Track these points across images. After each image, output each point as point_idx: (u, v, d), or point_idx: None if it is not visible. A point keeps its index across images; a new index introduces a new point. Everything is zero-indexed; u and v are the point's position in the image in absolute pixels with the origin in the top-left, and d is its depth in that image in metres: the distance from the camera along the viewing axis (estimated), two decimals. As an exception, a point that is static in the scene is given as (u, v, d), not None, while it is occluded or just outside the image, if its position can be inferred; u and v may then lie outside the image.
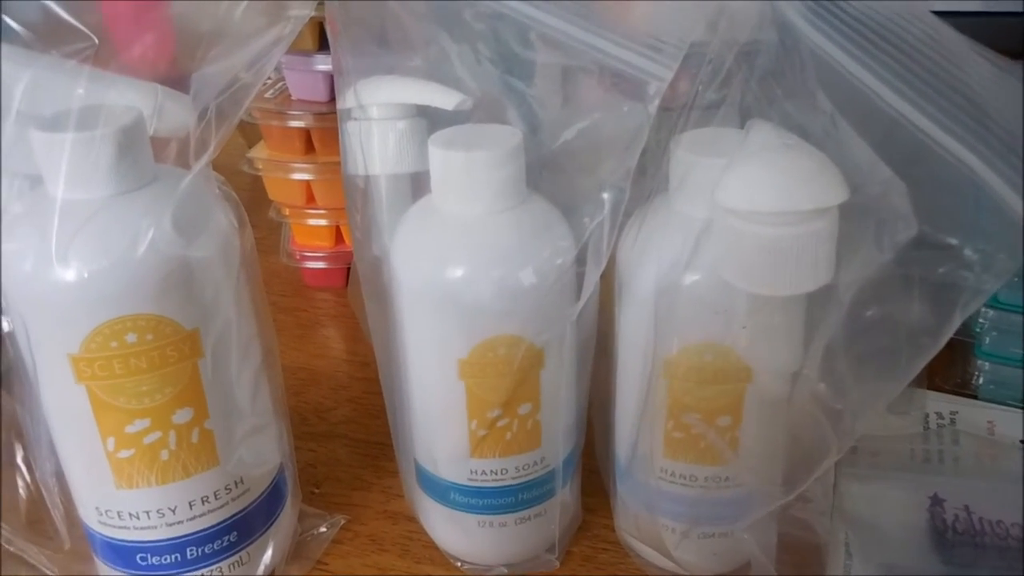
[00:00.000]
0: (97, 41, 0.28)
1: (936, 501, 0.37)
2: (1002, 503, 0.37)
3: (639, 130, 0.26)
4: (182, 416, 0.30)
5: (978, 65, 0.23)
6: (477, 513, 0.35)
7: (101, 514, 0.32)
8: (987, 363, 0.45)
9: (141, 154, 0.29)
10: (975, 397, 0.45)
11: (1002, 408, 0.44)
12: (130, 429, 0.30)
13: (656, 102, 0.26)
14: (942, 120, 0.23)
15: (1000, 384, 0.45)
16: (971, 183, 0.23)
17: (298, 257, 0.60)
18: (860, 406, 0.26)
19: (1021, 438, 0.42)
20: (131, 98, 0.30)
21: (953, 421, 0.43)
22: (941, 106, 0.23)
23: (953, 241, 0.24)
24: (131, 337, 0.28)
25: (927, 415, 0.44)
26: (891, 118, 0.24)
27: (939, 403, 0.44)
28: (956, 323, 0.23)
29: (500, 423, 0.33)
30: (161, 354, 0.29)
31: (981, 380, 0.45)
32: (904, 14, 0.25)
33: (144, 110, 0.30)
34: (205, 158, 0.30)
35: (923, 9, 0.25)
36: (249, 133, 0.61)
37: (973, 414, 0.44)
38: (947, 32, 0.24)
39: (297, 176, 0.56)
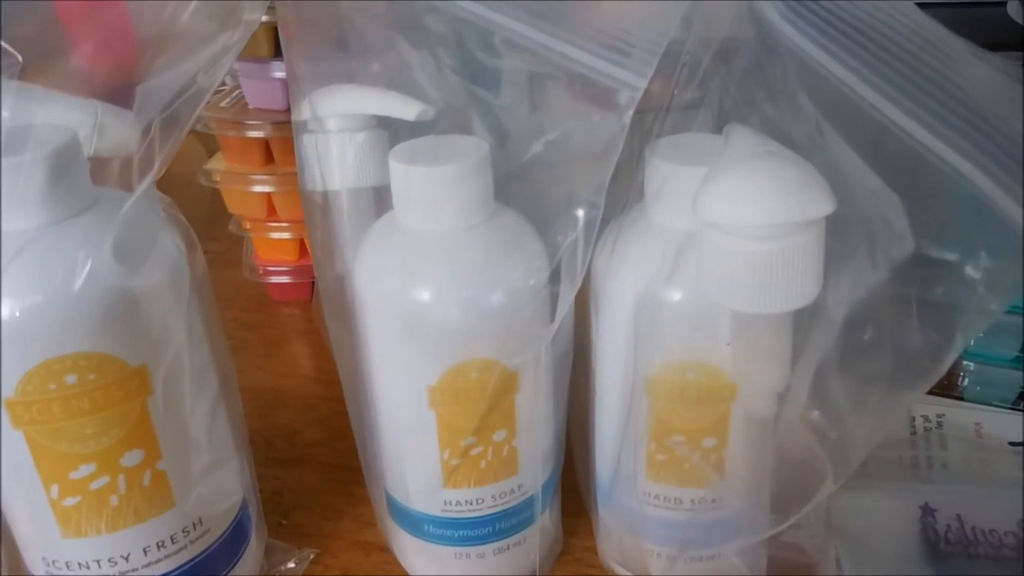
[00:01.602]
0: (21, 59, 0.26)
1: (927, 511, 0.36)
2: (994, 511, 0.36)
3: (612, 142, 0.25)
4: (132, 458, 0.28)
5: (973, 66, 0.22)
6: (453, 545, 0.33)
7: (48, 564, 0.30)
8: (973, 364, 0.44)
9: (77, 178, 0.27)
10: (961, 399, 0.44)
11: (989, 409, 0.43)
12: (75, 475, 0.28)
13: (629, 112, 0.24)
14: (935, 126, 0.21)
15: (987, 385, 0.44)
16: (969, 194, 0.21)
17: (261, 272, 0.58)
18: (856, 434, 0.24)
19: (1009, 440, 0.41)
20: (67, 116, 0.28)
21: (940, 424, 0.42)
22: (933, 111, 0.22)
23: (952, 257, 0.22)
24: (71, 378, 0.26)
25: (913, 419, 0.43)
26: (880, 124, 0.22)
27: (925, 406, 0.43)
28: (959, 347, 0.22)
29: (474, 451, 0.31)
30: (105, 394, 0.27)
31: (967, 381, 0.44)
32: (889, 11, 0.23)
33: (82, 128, 0.28)
34: (149, 178, 0.28)
35: (910, 5, 0.23)
36: (208, 142, 0.59)
37: (960, 416, 0.43)
38: (938, 30, 0.23)
39: (257, 188, 0.53)
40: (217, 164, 0.54)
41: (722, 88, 0.28)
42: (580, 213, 0.26)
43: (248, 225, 0.56)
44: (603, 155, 0.25)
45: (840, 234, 0.23)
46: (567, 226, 0.26)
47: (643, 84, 0.24)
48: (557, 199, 0.27)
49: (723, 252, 0.25)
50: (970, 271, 0.22)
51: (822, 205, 0.23)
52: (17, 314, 0.25)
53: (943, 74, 0.22)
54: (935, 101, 0.22)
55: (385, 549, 0.38)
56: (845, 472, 0.25)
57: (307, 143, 0.32)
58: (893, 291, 0.23)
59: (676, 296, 0.28)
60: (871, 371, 0.24)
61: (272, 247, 0.57)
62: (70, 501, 0.28)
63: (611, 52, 0.24)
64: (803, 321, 0.25)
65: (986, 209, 0.21)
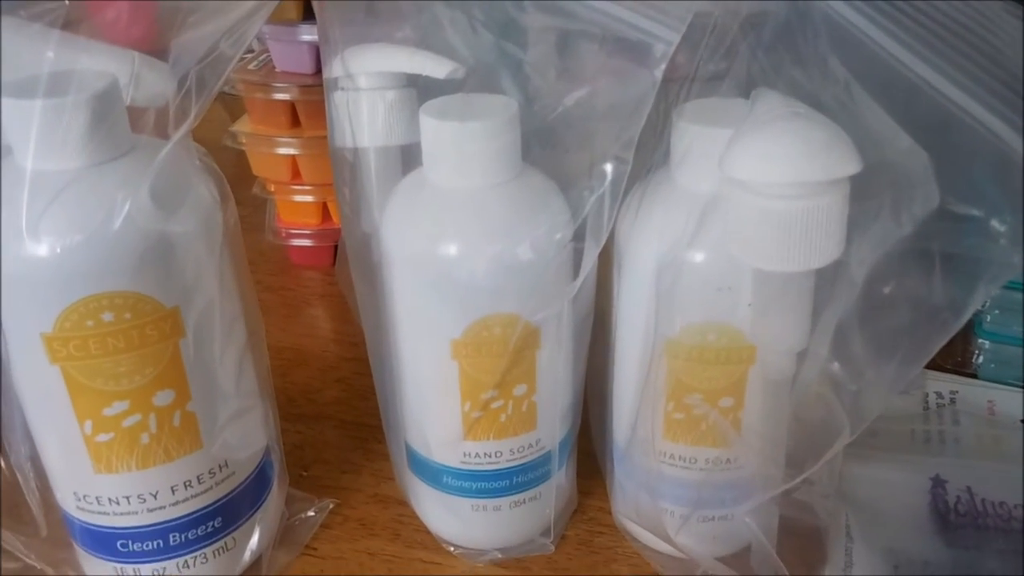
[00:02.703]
0: (67, 1, 0.27)
1: (938, 483, 0.37)
2: (1004, 485, 0.36)
3: (644, 97, 0.25)
4: (163, 398, 0.29)
5: (1008, 25, 0.22)
6: (470, 497, 0.34)
7: (79, 499, 0.31)
8: (988, 342, 0.44)
9: (116, 123, 0.27)
10: (975, 376, 0.44)
11: (1003, 388, 0.43)
12: (108, 412, 0.29)
13: (663, 66, 0.24)
14: (968, 85, 0.22)
15: (1001, 364, 0.44)
16: (998, 151, 0.21)
17: (284, 235, 0.58)
18: (875, 386, 0.25)
19: (1022, 418, 0.41)
20: (106, 65, 0.29)
21: (953, 401, 0.43)
22: (967, 70, 0.22)
23: (978, 213, 0.22)
24: (108, 316, 0.27)
25: (927, 395, 0.43)
26: (912, 84, 0.23)
27: (939, 382, 0.44)
28: (981, 298, 0.22)
29: (494, 405, 0.32)
30: (140, 333, 0.28)
31: (981, 359, 0.45)
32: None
33: (120, 78, 0.28)
34: (184, 128, 0.29)
35: None
36: (232, 107, 0.60)
37: (973, 394, 0.43)
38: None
39: (282, 151, 0.54)
40: (243, 126, 0.55)
41: (749, 57, 0.29)
42: (608, 168, 0.27)
43: (272, 188, 0.57)
44: (634, 111, 0.25)
45: (866, 193, 0.24)
46: (595, 181, 0.27)
47: (676, 38, 0.24)
48: (586, 156, 0.27)
49: (748, 211, 0.25)
50: (995, 225, 0.22)
51: (848, 165, 0.24)
52: (57, 251, 0.26)
53: (976, 32, 0.22)
54: (969, 60, 0.22)
55: (402, 502, 0.38)
56: (862, 424, 0.26)
57: (338, 101, 0.32)
58: (917, 246, 0.23)
59: (699, 258, 0.28)
60: (892, 324, 0.24)
61: (295, 210, 0.58)
62: (103, 437, 0.29)
63: (646, 7, 0.25)
64: (826, 280, 0.26)
65: (1014, 165, 0.21)
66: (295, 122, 0.54)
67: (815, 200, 0.24)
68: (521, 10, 0.28)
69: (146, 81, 0.30)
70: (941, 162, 0.23)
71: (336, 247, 0.59)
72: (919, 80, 0.22)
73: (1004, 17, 0.22)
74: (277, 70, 0.52)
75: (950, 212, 0.23)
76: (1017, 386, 0.43)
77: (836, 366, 0.26)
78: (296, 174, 0.56)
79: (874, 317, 0.25)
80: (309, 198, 0.56)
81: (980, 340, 0.44)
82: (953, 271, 0.23)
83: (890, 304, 0.24)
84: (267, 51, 0.54)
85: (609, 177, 0.27)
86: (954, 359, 0.45)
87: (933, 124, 0.22)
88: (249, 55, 0.56)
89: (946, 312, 0.23)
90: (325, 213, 0.58)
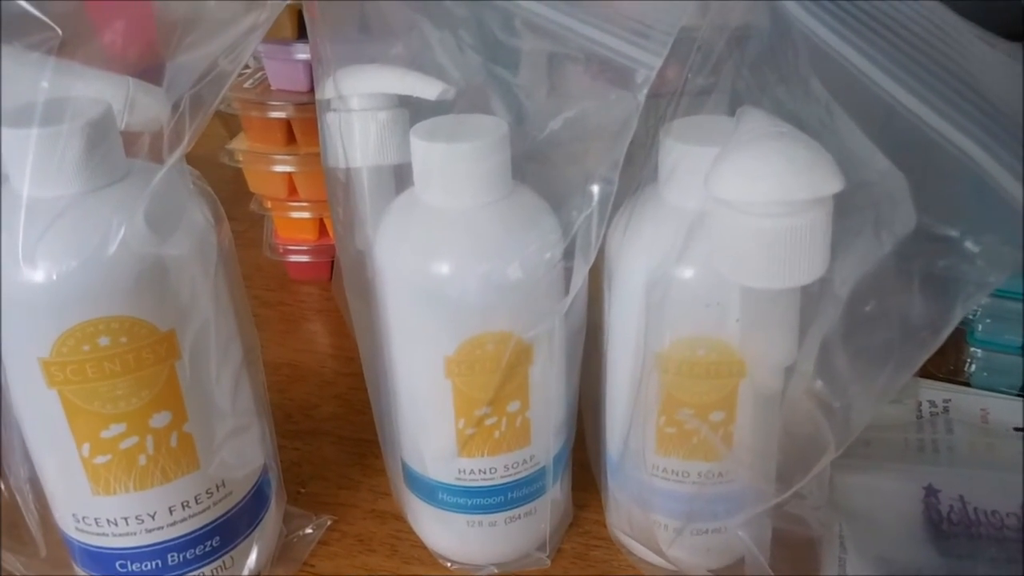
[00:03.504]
0: (61, 32, 0.27)
1: (931, 492, 0.37)
2: (997, 493, 0.37)
3: (627, 120, 0.25)
4: (160, 420, 0.29)
5: (979, 50, 0.23)
6: (466, 513, 0.34)
7: (78, 521, 0.31)
8: (980, 350, 0.44)
9: (111, 149, 0.28)
10: (968, 385, 0.45)
11: (996, 396, 0.43)
12: (105, 434, 0.29)
13: (644, 90, 0.25)
14: (941, 107, 0.22)
15: (994, 372, 0.44)
16: (972, 173, 0.22)
17: (281, 251, 0.59)
18: (859, 403, 0.25)
19: (1015, 426, 0.42)
20: (101, 91, 0.29)
21: (946, 409, 0.43)
22: (940, 93, 0.22)
23: (954, 233, 0.23)
24: (104, 340, 0.27)
25: (920, 403, 0.43)
26: (888, 106, 0.23)
27: (932, 391, 0.44)
28: (957, 318, 0.23)
29: (488, 421, 0.32)
30: (136, 357, 0.28)
31: (974, 368, 0.45)
32: (900, -3, 0.24)
33: (115, 103, 0.29)
34: (179, 152, 0.29)
35: None
36: (230, 124, 0.60)
37: (966, 402, 0.43)
38: (946, 15, 0.23)
39: (278, 168, 0.54)
40: (240, 144, 0.55)
41: (735, 73, 0.29)
42: (595, 189, 0.27)
43: (269, 204, 0.57)
44: (618, 133, 0.26)
45: (847, 213, 0.24)
46: (582, 201, 0.27)
47: (658, 63, 0.25)
48: (573, 176, 0.28)
49: (734, 229, 0.26)
50: (970, 246, 0.23)
51: (831, 183, 0.24)
52: (54, 277, 0.26)
53: (951, 58, 0.23)
54: (942, 83, 0.22)
55: (400, 518, 0.39)
56: (847, 440, 0.26)
57: (331, 121, 0.33)
58: (896, 266, 0.24)
59: (687, 274, 0.29)
60: (874, 343, 0.25)
61: (292, 226, 0.58)
62: (101, 459, 0.29)
63: (629, 33, 0.25)
64: (811, 297, 0.26)
65: (987, 187, 0.22)
66: (291, 139, 0.54)
67: (800, 218, 0.25)
68: (508, 33, 0.28)
69: (141, 106, 0.30)
70: (918, 183, 0.23)
71: (333, 262, 0.59)
72: (894, 102, 0.23)
73: (975, 43, 0.23)
74: (272, 88, 0.53)
75: (927, 232, 0.23)
76: (1010, 394, 0.43)
77: (819, 384, 0.26)
78: (293, 190, 0.56)
79: (857, 334, 0.25)
80: (306, 214, 0.57)
81: (973, 348, 0.45)
82: (931, 290, 0.23)
83: (872, 322, 0.25)
84: (262, 69, 0.54)
85: (596, 197, 0.27)
86: (947, 367, 0.45)
87: (909, 145, 0.23)
88: (246, 71, 0.56)
89: (925, 331, 0.23)
90: (322, 229, 0.58)
